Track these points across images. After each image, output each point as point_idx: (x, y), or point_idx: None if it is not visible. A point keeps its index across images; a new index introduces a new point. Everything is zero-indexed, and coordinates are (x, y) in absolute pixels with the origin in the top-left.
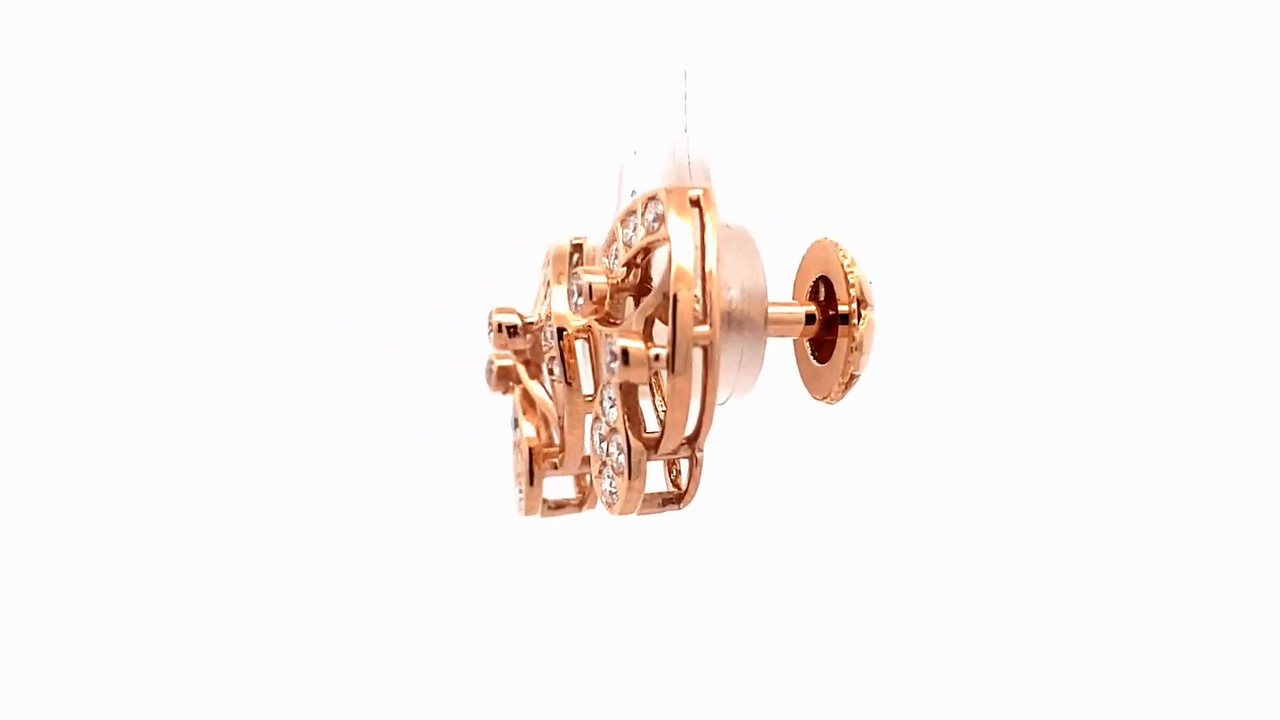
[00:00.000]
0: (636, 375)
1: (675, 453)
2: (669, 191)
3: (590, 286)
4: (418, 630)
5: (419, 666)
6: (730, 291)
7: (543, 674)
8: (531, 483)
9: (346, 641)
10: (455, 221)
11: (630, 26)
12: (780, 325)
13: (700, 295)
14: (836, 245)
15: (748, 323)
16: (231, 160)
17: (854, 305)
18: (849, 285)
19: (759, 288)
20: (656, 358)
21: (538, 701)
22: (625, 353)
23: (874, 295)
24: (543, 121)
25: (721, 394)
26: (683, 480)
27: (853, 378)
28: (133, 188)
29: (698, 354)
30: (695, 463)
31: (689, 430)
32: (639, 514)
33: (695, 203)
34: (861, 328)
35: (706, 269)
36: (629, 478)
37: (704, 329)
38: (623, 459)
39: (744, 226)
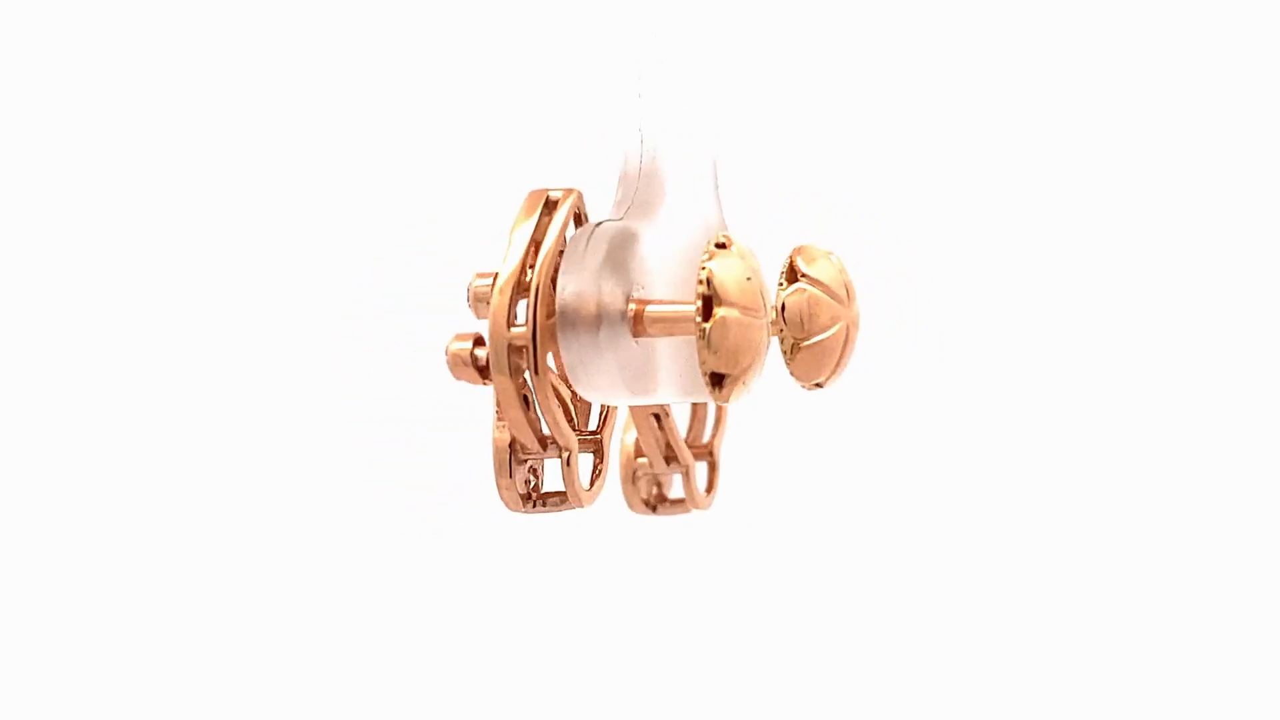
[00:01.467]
0: (462, 375)
1: (543, 452)
2: (530, 194)
3: (469, 290)
4: (417, 630)
5: (418, 666)
6: (566, 291)
7: (541, 674)
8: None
9: (346, 641)
10: (455, 221)
11: (630, 27)
12: (665, 324)
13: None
14: (712, 239)
15: (583, 322)
16: (231, 161)
17: (699, 302)
18: (698, 281)
19: (610, 289)
20: (475, 358)
21: (536, 701)
22: (446, 353)
23: (738, 294)
24: (543, 121)
25: (592, 395)
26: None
27: (717, 377)
28: (132, 189)
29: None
30: (565, 463)
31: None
32: (528, 511)
33: (551, 203)
34: (707, 326)
35: (537, 270)
36: (495, 474)
37: (520, 329)
38: None
39: (633, 226)
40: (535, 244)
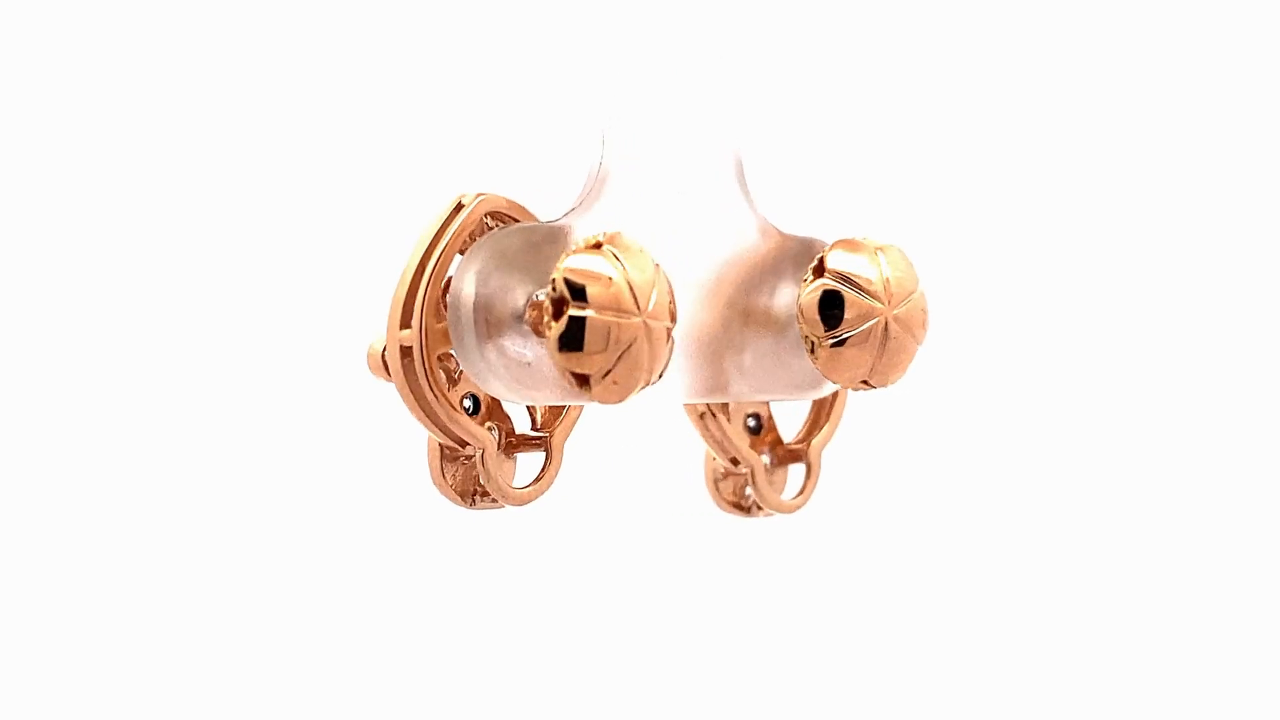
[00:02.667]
0: (378, 374)
1: (461, 450)
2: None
3: None
4: (416, 630)
5: (416, 667)
6: (453, 292)
7: (540, 676)
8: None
9: (346, 642)
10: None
11: (631, 28)
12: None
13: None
14: (589, 238)
15: (466, 322)
16: (230, 161)
17: (548, 303)
18: (550, 282)
19: (504, 289)
20: (384, 359)
21: (536, 704)
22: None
23: (594, 294)
24: (543, 123)
25: (495, 394)
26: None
27: (578, 377)
28: (131, 190)
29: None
30: (480, 461)
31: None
32: (470, 507)
33: (461, 207)
34: (555, 326)
35: (427, 272)
36: (430, 473)
37: (407, 332)
38: None
39: (566, 226)
40: (434, 246)
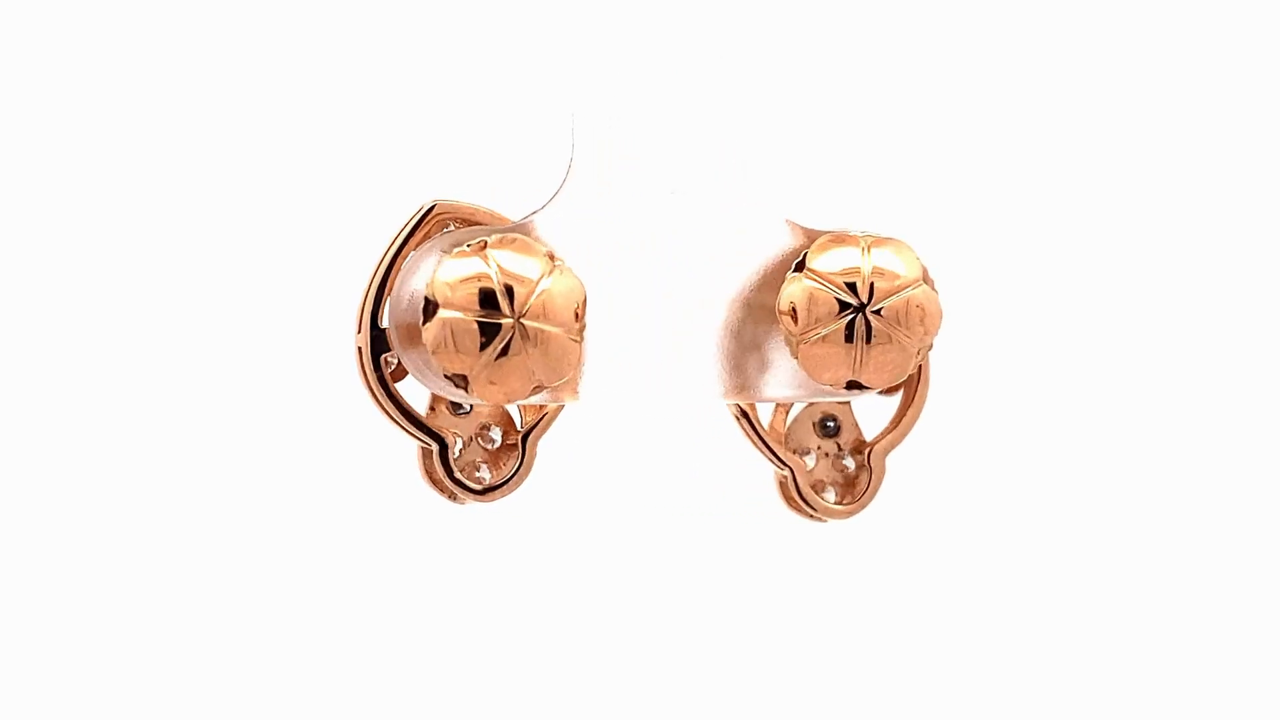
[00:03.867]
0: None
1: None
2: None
3: None
4: (417, 631)
5: (416, 669)
6: (396, 294)
7: (539, 678)
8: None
9: (345, 644)
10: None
11: (606, 21)
12: None
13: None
14: (475, 240)
15: (398, 325)
16: (227, 161)
17: (423, 305)
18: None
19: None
20: None
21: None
22: None
23: (465, 296)
24: (542, 124)
25: (447, 393)
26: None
27: (455, 378)
28: (124, 191)
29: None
30: (436, 461)
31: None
32: (455, 502)
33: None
34: (424, 328)
35: (376, 276)
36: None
37: (359, 336)
38: None
39: (521, 226)
40: (386, 253)
